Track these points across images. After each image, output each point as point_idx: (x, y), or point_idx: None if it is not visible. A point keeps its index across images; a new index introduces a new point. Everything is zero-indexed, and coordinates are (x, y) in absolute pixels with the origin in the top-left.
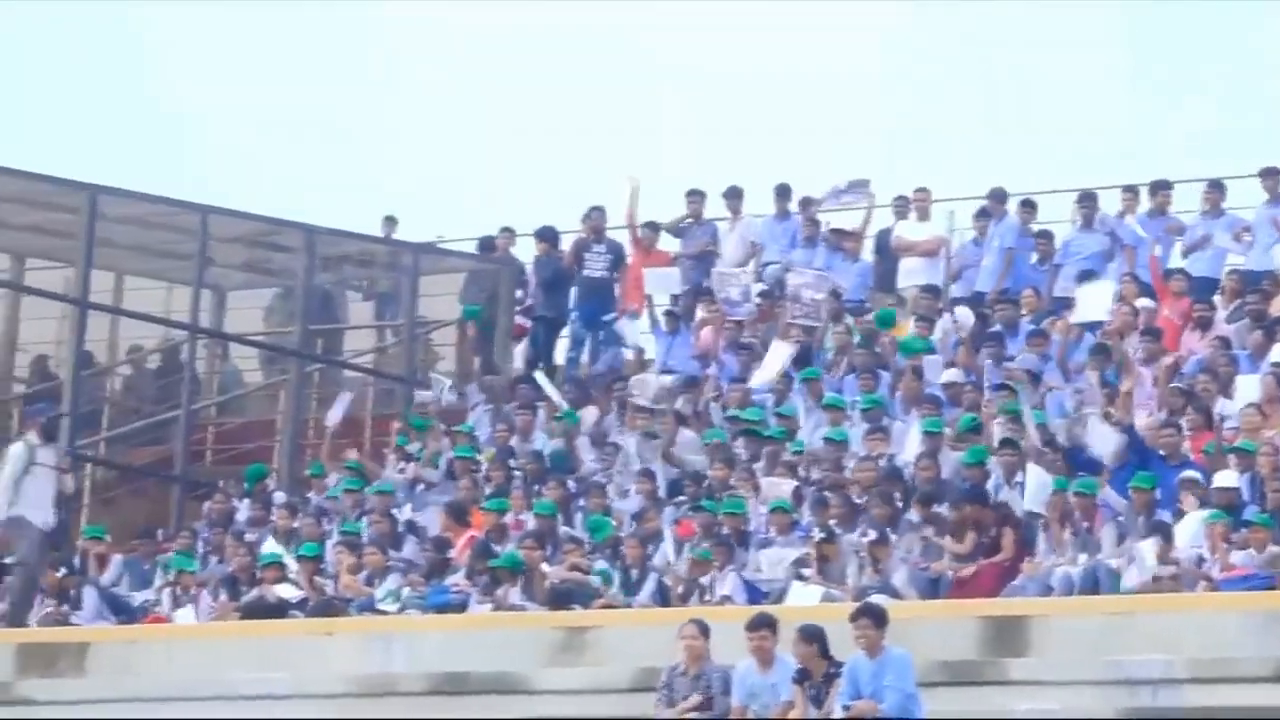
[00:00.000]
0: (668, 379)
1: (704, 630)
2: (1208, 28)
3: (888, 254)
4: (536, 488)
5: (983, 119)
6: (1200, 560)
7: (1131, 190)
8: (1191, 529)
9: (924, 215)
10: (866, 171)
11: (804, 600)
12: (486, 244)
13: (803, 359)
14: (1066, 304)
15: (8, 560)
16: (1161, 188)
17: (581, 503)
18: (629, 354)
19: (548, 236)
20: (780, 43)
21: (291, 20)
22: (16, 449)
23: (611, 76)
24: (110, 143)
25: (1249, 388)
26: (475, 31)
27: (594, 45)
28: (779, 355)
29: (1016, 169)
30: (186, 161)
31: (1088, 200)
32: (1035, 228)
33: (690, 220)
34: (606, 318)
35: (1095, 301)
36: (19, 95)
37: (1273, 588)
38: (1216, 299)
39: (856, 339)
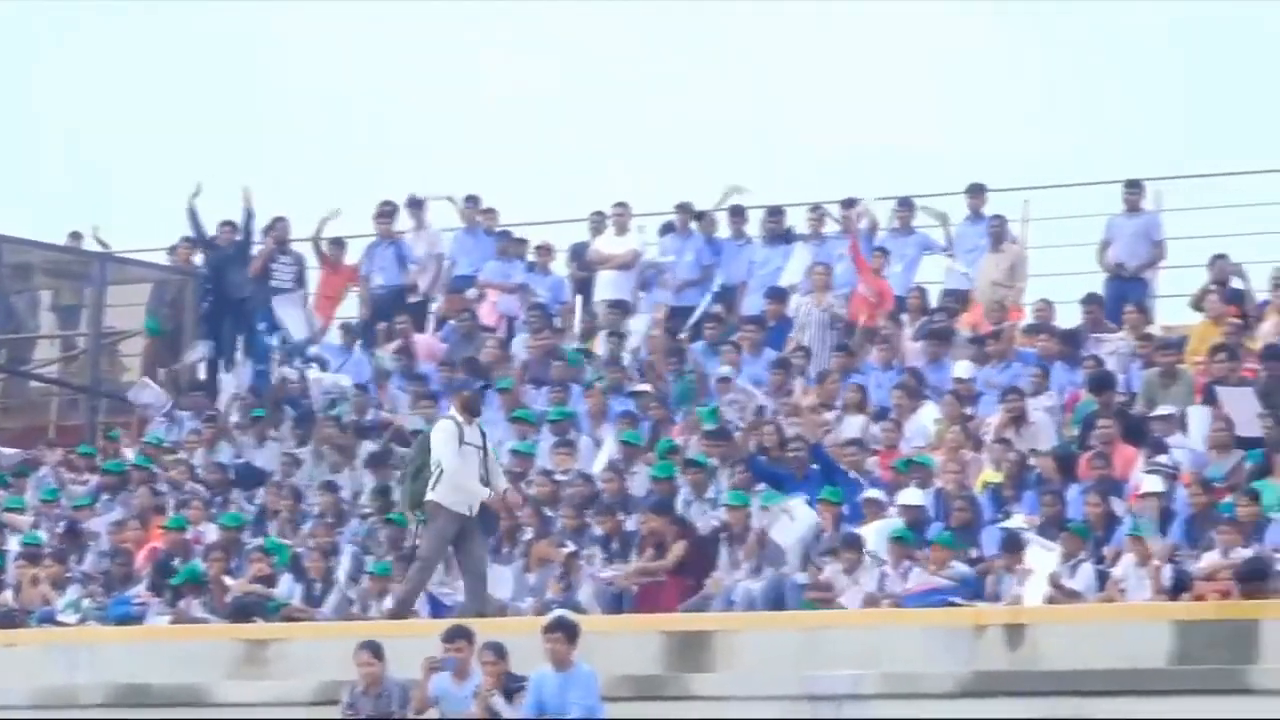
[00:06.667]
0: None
1: (377, 653)
2: None
3: (584, 266)
4: (220, 499)
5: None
6: (882, 576)
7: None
8: (873, 541)
9: (621, 230)
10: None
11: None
12: (172, 253)
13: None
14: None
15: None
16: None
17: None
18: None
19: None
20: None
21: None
22: (447, 426)
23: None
24: None
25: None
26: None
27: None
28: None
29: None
30: None
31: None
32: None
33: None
34: (261, 327)
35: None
36: None
37: (954, 602)
38: (904, 317)
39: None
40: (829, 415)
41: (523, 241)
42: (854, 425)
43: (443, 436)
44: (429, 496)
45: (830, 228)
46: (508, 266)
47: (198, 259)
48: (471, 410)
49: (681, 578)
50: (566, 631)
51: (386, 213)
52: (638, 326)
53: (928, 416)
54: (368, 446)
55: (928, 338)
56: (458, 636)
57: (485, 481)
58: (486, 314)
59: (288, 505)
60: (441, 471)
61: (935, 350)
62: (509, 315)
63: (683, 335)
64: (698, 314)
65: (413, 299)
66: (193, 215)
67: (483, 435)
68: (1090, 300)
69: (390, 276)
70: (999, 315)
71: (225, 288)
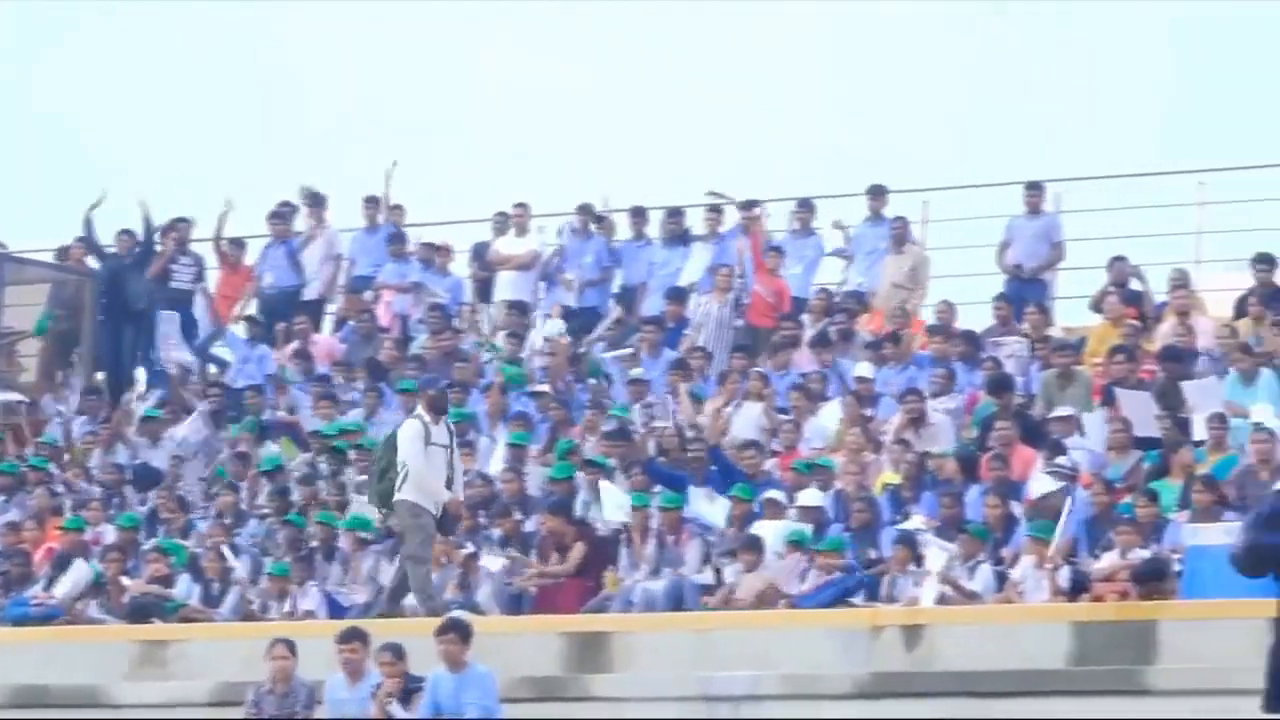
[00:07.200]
0: None
1: (293, 649)
2: None
3: (485, 266)
4: (117, 499)
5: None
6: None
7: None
8: (769, 540)
9: (521, 230)
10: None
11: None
12: (63, 254)
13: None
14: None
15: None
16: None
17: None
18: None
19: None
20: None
21: None
22: (414, 426)
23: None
24: None
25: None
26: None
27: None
28: None
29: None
30: None
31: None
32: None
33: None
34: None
35: None
36: None
37: (848, 595)
38: (805, 318)
39: None
40: (728, 409)
41: (443, 248)
42: (752, 413)
43: (409, 436)
44: (399, 496)
45: (727, 225)
46: (404, 267)
47: (91, 261)
48: (438, 409)
49: (581, 579)
50: (460, 632)
51: (281, 213)
52: (536, 337)
53: (829, 417)
54: (270, 447)
55: (814, 345)
56: (353, 638)
57: (450, 482)
58: (381, 314)
59: (172, 512)
60: (408, 472)
61: (824, 357)
62: (403, 315)
63: (583, 348)
64: (604, 325)
65: (307, 297)
66: (88, 226)
67: (450, 434)
68: (1000, 299)
69: (281, 277)
70: (901, 319)
71: (124, 298)
